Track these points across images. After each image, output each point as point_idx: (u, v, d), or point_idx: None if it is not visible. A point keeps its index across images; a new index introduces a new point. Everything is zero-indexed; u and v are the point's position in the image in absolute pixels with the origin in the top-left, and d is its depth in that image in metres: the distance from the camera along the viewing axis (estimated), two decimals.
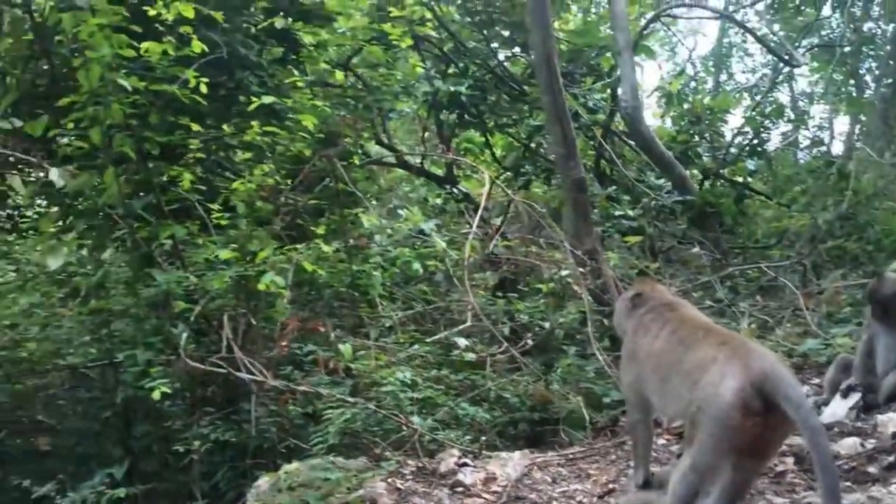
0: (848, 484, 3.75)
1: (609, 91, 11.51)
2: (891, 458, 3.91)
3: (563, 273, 6.77)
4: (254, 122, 6.17)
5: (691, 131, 11.82)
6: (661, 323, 3.78)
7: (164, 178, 6.12)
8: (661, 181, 10.37)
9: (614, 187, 10.57)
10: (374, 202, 9.41)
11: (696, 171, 11.47)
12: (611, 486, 4.48)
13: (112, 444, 5.70)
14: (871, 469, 3.89)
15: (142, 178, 6.21)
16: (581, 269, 6.64)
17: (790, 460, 4.16)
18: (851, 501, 3.33)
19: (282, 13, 7.35)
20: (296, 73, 7.64)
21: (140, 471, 5.48)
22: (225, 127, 6.51)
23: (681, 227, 9.79)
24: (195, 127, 6.14)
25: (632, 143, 11.99)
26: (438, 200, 12.04)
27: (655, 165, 10.46)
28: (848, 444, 4.18)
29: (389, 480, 4.99)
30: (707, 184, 11.05)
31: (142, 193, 6.22)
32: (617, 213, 9.35)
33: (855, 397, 4.77)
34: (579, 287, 6.41)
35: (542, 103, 8.09)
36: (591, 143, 11.27)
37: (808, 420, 3.03)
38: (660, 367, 3.62)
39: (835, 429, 4.55)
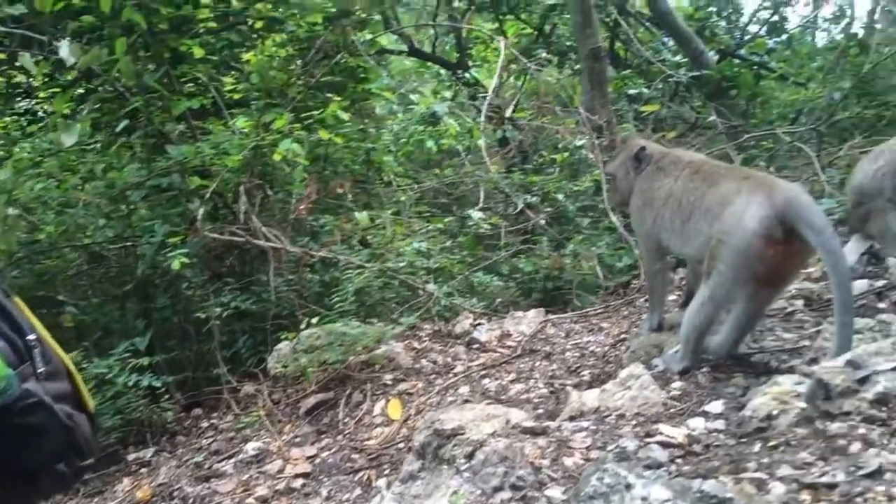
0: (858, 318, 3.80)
1: None
2: None
3: (578, 143, 6.71)
4: None
5: (710, 8, 11.46)
6: (680, 167, 3.76)
7: (176, 52, 6.01)
8: (678, 59, 10.10)
9: (629, 70, 10.36)
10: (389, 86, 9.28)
11: (712, 52, 11.19)
12: (622, 336, 4.57)
13: (133, 316, 5.82)
14: (882, 304, 3.93)
15: (153, 53, 6.13)
16: (597, 140, 6.56)
17: (800, 302, 4.22)
18: (862, 325, 3.38)
19: None
20: None
21: (162, 342, 5.63)
22: (233, 0, 6.37)
23: (693, 107, 9.57)
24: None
25: (647, 24, 11.69)
26: (449, 93, 11.83)
27: (672, 38, 10.16)
28: (858, 285, 4.22)
29: (407, 342, 5.14)
30: (724, 62, 10.77)
31: (152, 68, 6.14)
32: (631, 91, 9.17)
33: (866, 244, 4.78)
34: (594, 156, 6.34)
35: None
36: (607, 22, 10.95)
37: (829, 244, 3.08)
38: (681, 207, 3.60)
39: None
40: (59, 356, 1.83)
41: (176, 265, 5.06)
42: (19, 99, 7.52)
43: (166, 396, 4.99)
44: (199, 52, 5.84)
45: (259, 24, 6.22)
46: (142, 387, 4.83)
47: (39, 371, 1.72)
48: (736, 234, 3.23)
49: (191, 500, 3.72)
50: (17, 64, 6.43)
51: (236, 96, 6.05)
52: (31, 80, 7.19)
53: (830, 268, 3.07)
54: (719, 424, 3.08)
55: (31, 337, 1.73)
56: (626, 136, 4.33)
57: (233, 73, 6.34)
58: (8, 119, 7.20)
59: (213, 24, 6.00)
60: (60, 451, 1.73)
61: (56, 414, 1.68)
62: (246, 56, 6.03)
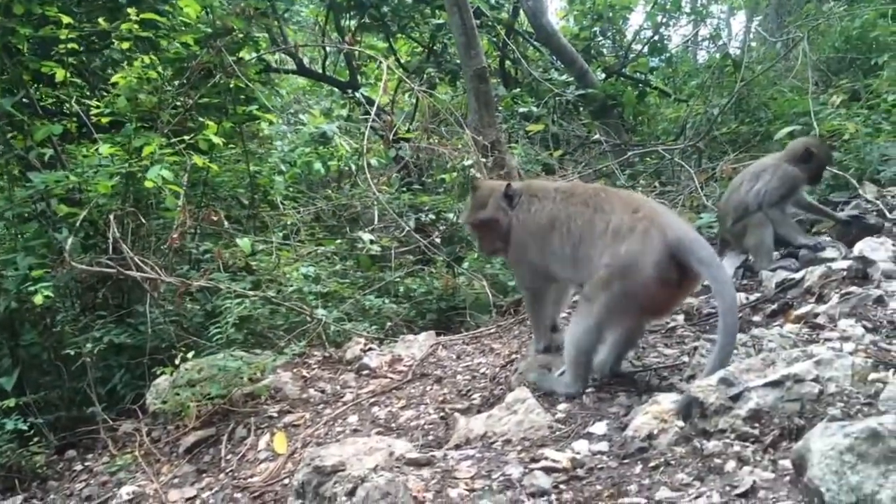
0: None
1: None
2: (773, 306, 4.08)
3: (467, 163, 6.71)
4: (130, 10, 5.72)
5: (594, 29, 11.80)
6: (551, 193, 3.78)
7: (38, 74, 5.66)
8: (565, 77, 10.34)
9: (518, 89, 10.51)
10: (275, 107, 9.07)
11: (598, 71, 11.52)
12: (513, 357, 4.55)
13: None
14: (756, 318, 4.06)
15: (11, 76, 5.74)
16: (484, 160, 6.58)
17: (681, 317, 4.31)
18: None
19: None
20: None
21: (32, 380, 5.24)
22: (101, 20, 6.05)
23: (583, 122, 9.82)
24: (66, 19, 5.68)
25: (536, 43, 11.93)
26: (343, 112, 11.70)
27: (558, 58, 10.40)
28: None
29: (295, 370, 4.96)
30: (608, 81, 11.10)
31: (12, 91, 5.75)
32: (521, 109, 9.30)
33: (741, 258, 4.96)
34: (482, 175, 6.35)
35: None
36: (495, 42, 11.10)
37: (718, 275, 3.26)
38: (569, 232, 3.59)
39: None
40: None
41: (38, 300, 4.71)
42: None
43: (36, 439, 4.64)
44: (60, 75, 5.50)
45: (126, 45, 5.91)
46: (7, 431, 4.50)
47: None
48: (631, 276, 3.31)
49: None
50: None
51: (104, 120, 5.72)
52: None
53: (719, 295, 3.21)
54: (603, 446, 3.06)
55: None
56: (475, 184, 4.17)
57: (104, 94, 6.00)
58: None
59: (76, 46, 5.66)
60: None
61: None
62: (114, 78, 5.71)
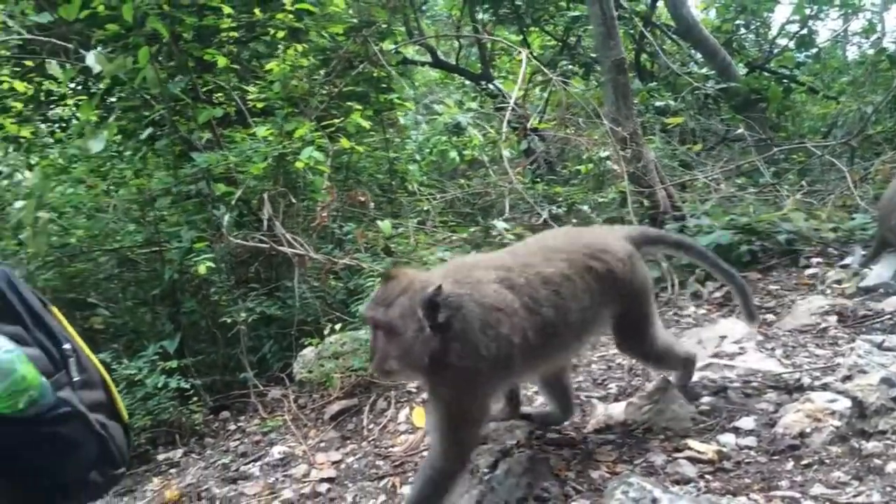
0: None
1: None
2: None
3: (603, 155, 6.66)
4: (285, 0, 6.05)
5: (737, 21, 11.37)
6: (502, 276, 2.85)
7: (201, 61, 6.07)
8: (704, 70, 10.03)
9: (654, 83, 10.30)
10: (411, 96, 9.30)
11: (739, 65, 11.10)
12: None
13: (163, 320, 5.86)
14: None
15: (177, 62, 6.19)
16: (621, 151, 6.51)
17: (833, 318, 4.16)
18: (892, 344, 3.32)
19: None
20: None
21: (190, 345, 5.65)
22: (256, 11, 6.42)
23: (721, 118, 9.50)
24: (227, 9, 6.07)
25: (674, 36, 11.63)
26: (474, 104, 11.84)
27: (698, 51, 10.10)
28: (892, 302, 4.16)
29: None
30: (752, 75, 10.68)
31: (177, 76, 6.20)
32: (657, 103, 9.11)
33: None
34: (619, 167, 6.29)
35: None
36: (632, 34, 10.91)
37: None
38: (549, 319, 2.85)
39: (880, 290, 4.51)
40: (95, 365, 1.82)
41: (202, 269, 5.09)
42: (51, 106, 7.63)
43: (195, 399, 5.01)
44: (222, 62, 5.89)
45: (281, 35, 6.25)
46: (171, 388, 4.86)
47: (75, 380, 1.71)
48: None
49: (218, 502, 3.71)
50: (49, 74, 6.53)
51: (259, 105, 6.08)
52: (60, 87, 7.29)
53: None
54: (750, 441, 3.02)
55: (67, 346, 1.73)
56: (389, 271, 2.85)
57: (257, 82, 6.38)
58: (39, 126, 7.29)
59: (235, 34, 6.03)
60: (94, 461, 1.71)
61: (90, 423, 1.67)
62: (268, 65, 6.06)
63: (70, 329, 1.83)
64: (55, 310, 1.83)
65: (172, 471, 4.46)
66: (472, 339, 2.62)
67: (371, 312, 2.67)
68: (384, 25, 7.16)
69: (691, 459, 2.93)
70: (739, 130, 8.29)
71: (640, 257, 3.33)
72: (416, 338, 2.57)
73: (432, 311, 2.57)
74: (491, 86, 10.94)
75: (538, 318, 2.80)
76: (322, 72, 6.66)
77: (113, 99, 6.71)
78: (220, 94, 6.28)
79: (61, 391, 1.67)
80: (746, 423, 3.15)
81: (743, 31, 12.04)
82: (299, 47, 6.05)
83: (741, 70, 10.84)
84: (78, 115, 6.87)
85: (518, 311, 2.75)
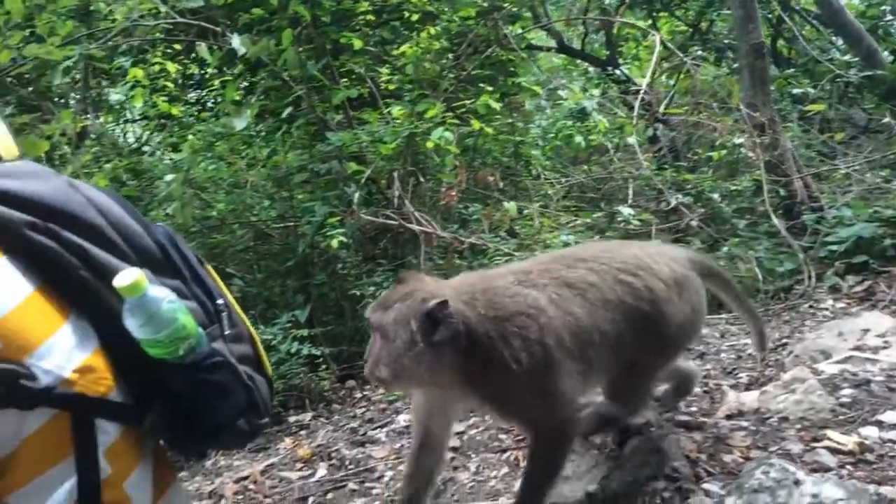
0: None
1: None
2: None
3: (737, 141, 6.44)
4: None
5: (883, 7, 10.66)
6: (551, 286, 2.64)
7: (336, 44, 6.30)
8: (847, 57, 9.48)
9: (792, 69, 9.84)
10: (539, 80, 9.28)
11: (885, 53, 10.40)
12: (783, 340, 4.39)
13: (294, 291, 6.14)
14: None
15: (315, 45, 6.45)
16: (757, 138, 6.28)
17: None
18: None
19: None
20: None
21: (319, 317, 5.90)
22: None
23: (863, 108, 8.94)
24: None
25: (813, 21, 11.06)
26: (596, 91, 11.68)
27: (841, 37, 9.54)
28: None
29: None
30: None
31: (315, 58, 6.45)
32: (795, 91, 8.70)
33: None
34: (755, 155, 6.07)
35: None
36: (769, 18, 10.43)
37: None
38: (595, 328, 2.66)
39: None
40: (244, 321, 1.95)
41: (334, 244, 5.32)
42: (195, 89, 8.11)
43: (323, 366, 5.24)
44: (358, 44, 6.08)
45: (414, 18, 6.39)
46: (302, 355, 5.11)
47: (226, 333, 1.83)
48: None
49: (347, 462, 3.88)
50: (193, 56, 6.96)
51: (391, 87, 6.25)
52: (203, 71, 7.74)
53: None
54: (895, 435, 2.88)
55: (220, 301, 1.85)
56: (401, 275, 2.68)
57: (387, 65, 6.56)
58: (183, 107, 7.77)
59: (371, 18, 6.21)
60: (242, 409, 1.83)
61: (239, 374, 1.79)
62: (401, 49, 6.21)
63: (222, 286, 1.96)
64: (209, 268, 1.97)
65: (302, 432, 4.69)
66: (496, 356, 2.43)
67: (370, 313, 2.53)
68: (514, 9, 7.19)
69: (830, 450, 2.84)
70: (885, 120, 7.80)
71: (700, 287, 3.00)
72: (405, 349, 2.39)
73: (429, 325, 2.37)
74: (617, 72, 10.75)
75: (570, 318, 2.57)
76: (451, 55, 6.77)
77: (253, 80, 7.07)
78: (351, 77, 6.49)
79: (214, 343, 1.80)
80: (891, 416, 3.01)
81: (889, 17, 11.27)
82: (432, 30, 6.17)
83: (888, 57, 10.16)
84: (222, 94, 7.30)
85: (546, 309, 2.53)
